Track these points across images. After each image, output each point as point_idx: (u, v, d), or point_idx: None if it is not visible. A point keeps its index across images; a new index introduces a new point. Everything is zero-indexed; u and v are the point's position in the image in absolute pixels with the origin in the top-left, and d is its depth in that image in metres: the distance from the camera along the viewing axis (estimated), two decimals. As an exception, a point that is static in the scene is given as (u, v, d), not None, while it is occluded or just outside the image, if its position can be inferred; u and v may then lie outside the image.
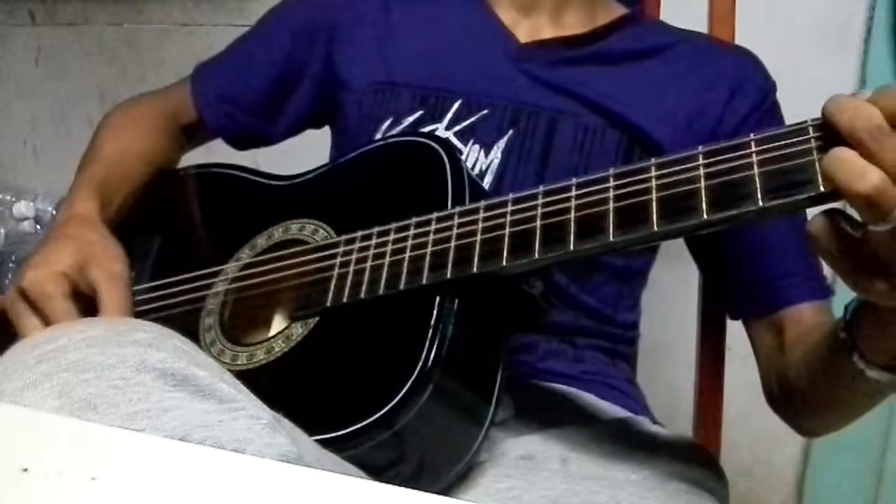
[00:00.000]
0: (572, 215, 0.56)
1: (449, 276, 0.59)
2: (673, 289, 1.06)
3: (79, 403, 0.43)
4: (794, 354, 0.73)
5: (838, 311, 0.60)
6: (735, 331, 0.86)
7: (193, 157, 0.95)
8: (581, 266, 0.78)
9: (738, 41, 0.91)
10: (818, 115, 0.49)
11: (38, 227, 1.67)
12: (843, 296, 0.57)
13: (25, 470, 0.35)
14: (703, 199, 0.51)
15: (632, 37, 0.84)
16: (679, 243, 0.85)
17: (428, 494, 0.36)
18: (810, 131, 0.49)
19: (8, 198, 1.69)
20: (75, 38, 1.68)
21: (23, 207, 1.67)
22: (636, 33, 0.85)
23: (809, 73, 1.19)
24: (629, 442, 0.71)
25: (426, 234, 0.62)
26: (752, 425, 1.27)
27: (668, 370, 1.23)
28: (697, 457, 0.73)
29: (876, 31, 1.18)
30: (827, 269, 0.58)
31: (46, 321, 0.66)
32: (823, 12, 1.22)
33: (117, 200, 0.80)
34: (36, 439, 0.38)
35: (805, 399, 0.71)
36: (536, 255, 0.56)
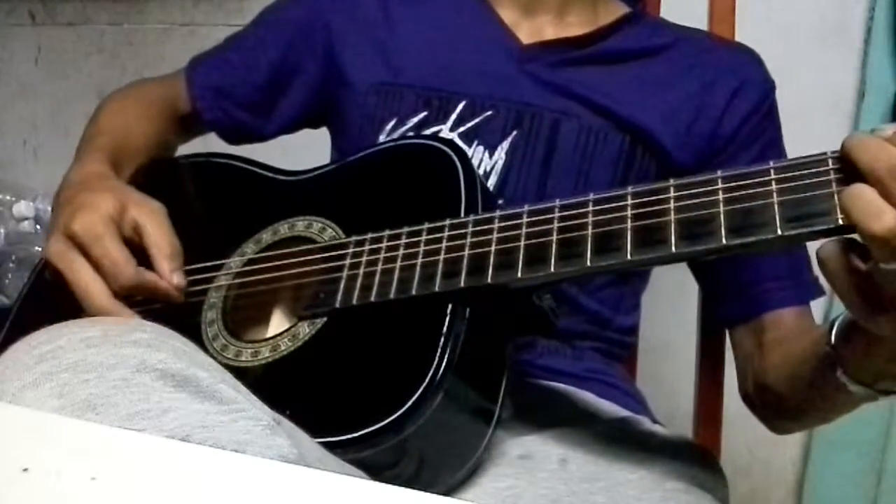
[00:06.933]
0: (589, 231, 0.57)
1: (462, 284, 0.59)
2: (673, 289, 1.06)
3: (79, 404, 0.43)
4: (773, 356, 0.74)
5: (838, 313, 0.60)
6: (735, 331, 0.86)
7: (191, 146, 0.95)
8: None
9: (738, 40, 0.91)
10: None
11: (38, 227, 1.67)
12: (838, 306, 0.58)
13: (25, 470, 0.35)
14: (722, 224, 0.52)
15: (633, 36, 0.84)
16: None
17: (428, 494, 0.36)
18: (829, 163, 0.50)
19: (8, 198, 1.69)
20: (75, 38, 1.67)
21: (23, 207, 1.66)
22: (637, 33, 0.85)
23: (809, 73, 1.19)
24: (628, 442, 0.71)
25: (439, 240, 0.62)
26: (752, 425, 1.26)
27: (668, 370, 1.23)
28: (697, 457, 0.73)
29: (876, 31, 1.18)
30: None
31: (98, 265, 0.65)
32: (823, 12, 1.22)
33: (125, 174, 0.79)
34: (36, 439, 0.38)
35: (782, 402, 0.72)
36: (552, 269, 0.57)
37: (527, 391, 0.74)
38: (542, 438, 0.70)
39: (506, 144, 0.78)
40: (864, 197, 0.46)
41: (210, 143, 0.96)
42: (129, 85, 0.93)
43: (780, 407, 0.74)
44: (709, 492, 0.69)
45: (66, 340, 0.47)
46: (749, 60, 0.83)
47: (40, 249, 1.58)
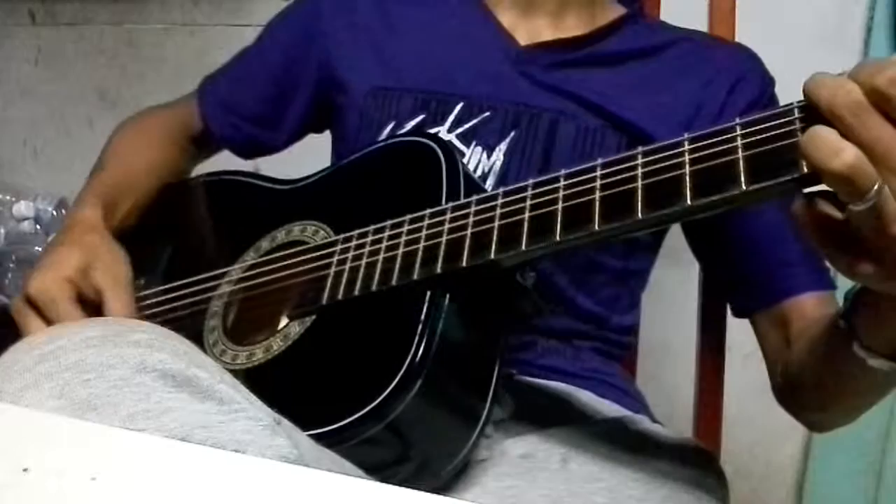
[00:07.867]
0: (560, 206, 0.56)
1: (440, 270, 0.59)
2: (673, 289, 1.06)
3: (79, 404, 0.43)
4: (798, 347, 0.72)
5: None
6: (735, 331, 0.86)
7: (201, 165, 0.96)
8: (580, 267, 0.78)
9: (738, 41, 0.91)
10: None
11: (38, 227, 1.67)
12: (845, 288, 0.57)
13: (25, 470, 0.35)
14: (688, 185, 0.51)
15: (631, 37, 0.84)
16: (680, 243, 0.85)
17: (428, 494, 0.36)
18: (796, 112, 0.49)
19: (8, 198, 1.69)
20: (75, 38, 1.67)
21: (23, 207, 1.67)
22: (635, 33, 0.85)
23: (809, 73, 1.19)
24: (629, 441, 0.71)
25: (419, 230, 0.63)
26: (752, 425, 1.27)
27: (668, 370, 1.23)
28: (697, 457, 0.73)
29: (876, 32, 1.18)
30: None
31: (52, 325, 0.67)
32: (823, 12, 1.22)
33: (123, 208, 0.82)
34: (36, 439, 0.38)
35: (811, 392, 0.71)
36: (524, 247, 0.56)
37: (528, 391, 0.74)
38: (543, 438, 0.70)
39: (504, 145, 0.79)
40: (822, 136, 0.45)
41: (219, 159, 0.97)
42: (140, 112, 0.96)
43: (810, 399, 0.72)
44: (709, 492, 0.69)
45: (67, 340, 0.47)
46: (747, 58, 0.83)
47: (40, 249, 1.59)
